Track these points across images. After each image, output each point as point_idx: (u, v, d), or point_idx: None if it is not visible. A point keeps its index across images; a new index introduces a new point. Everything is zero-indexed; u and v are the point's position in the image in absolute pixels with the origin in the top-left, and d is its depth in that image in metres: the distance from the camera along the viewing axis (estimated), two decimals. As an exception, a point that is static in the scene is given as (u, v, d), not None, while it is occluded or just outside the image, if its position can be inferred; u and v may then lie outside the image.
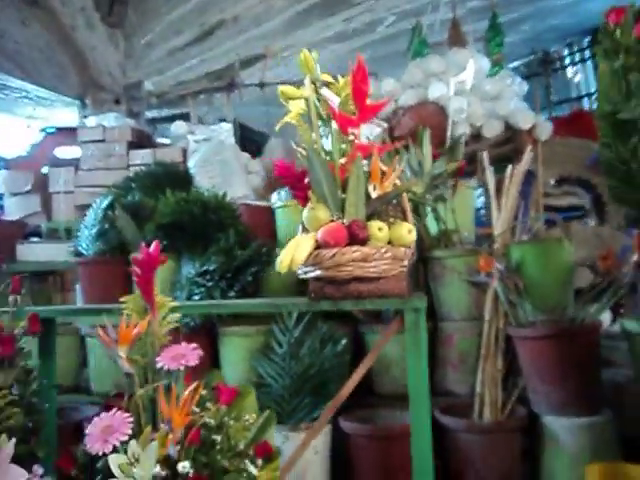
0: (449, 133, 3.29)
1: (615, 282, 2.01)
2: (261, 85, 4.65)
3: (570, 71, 6.30)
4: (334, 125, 1.21)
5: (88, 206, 3.02)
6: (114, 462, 1.02)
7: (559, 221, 2.68)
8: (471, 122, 3.40)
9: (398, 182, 1.24)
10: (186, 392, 1.04)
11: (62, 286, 3.50)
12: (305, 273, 1.22)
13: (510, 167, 2.24)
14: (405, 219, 1.27)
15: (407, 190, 1.26)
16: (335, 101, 1.19)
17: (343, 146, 1.22)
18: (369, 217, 1.22)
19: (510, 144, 3.46)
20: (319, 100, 1.26)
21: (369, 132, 3.16)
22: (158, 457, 1.02)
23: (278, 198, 3.02)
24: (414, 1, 4.84)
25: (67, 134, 4.17)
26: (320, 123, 1.27)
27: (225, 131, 3.98)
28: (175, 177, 3.41)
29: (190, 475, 1.01)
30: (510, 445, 1.80)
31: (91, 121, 4.13)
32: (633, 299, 2.04)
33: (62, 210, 3.80)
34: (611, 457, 1.72)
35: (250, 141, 4.68)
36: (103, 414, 1.07)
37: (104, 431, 1.04)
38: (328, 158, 1.25)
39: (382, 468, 1.76)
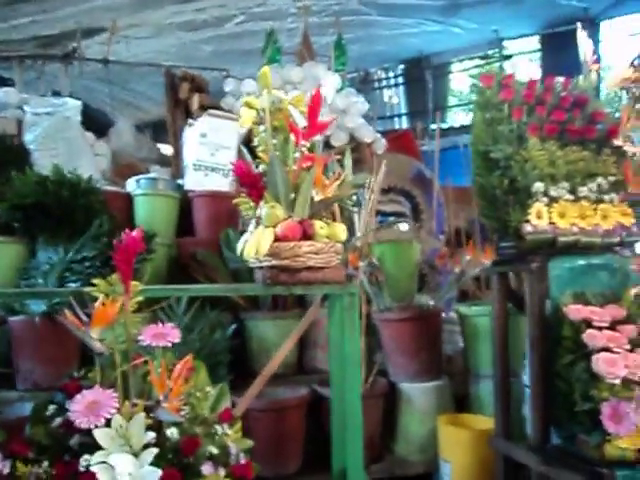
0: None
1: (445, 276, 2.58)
2: (105, 62, 4.40)
3: (386, 92, 7.23)
4: (291, 137, 1.41)
5: None
6: (102, 435, 1.08)
7: (410, 224, 3.21)
8: (322, 131, 3.77)
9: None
10: (179, 366, 1.15)
11: None
12: (260, 262, 1.39)
13: (370, 178, 2.65)
14: (334, 219, 1.53)
15: (344, 197, 1.52)
16: (300, 119, 1.39)
17: (296, 155, 1.42)
18: (310, 217, 1.45)
19: (352, 154, 3.93)
20: (272, 112, 1.44)
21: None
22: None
23: (138, 186, 3.00)
24: (264, 5, 5.08)
25: None
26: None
27: (72, 107, 3.71)
28: (9, 152, 3.12)
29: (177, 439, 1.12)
30: (376, 408, 2.18)
31: None
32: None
33: None
34: (449, 410, 2.23)
35: (90, 120, 4.40)
36: (85, 391, 1.12)
37: (90, 407, 1.09)
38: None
39: (275, 437, 1.99)
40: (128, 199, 2.94)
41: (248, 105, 1.42)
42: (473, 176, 1.71)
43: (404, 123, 7.04)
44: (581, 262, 1.55)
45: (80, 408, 1.09)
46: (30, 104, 3.61)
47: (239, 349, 2.38)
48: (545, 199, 1.55)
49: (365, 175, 1.57)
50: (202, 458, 1.16)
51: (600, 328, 1.42)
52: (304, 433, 2.10)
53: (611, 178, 1.60)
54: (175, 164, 3.68)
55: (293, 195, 1.41)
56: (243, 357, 2.41)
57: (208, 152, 3.18)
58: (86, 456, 1.06)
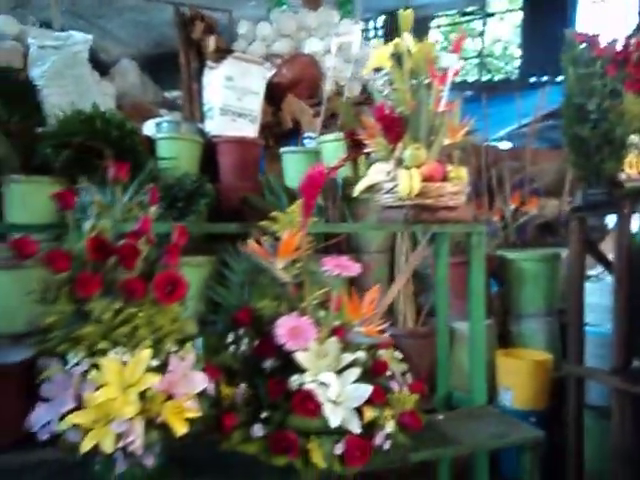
0: (327, 87, 3.63)
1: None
2: (99, -6, 4.11)
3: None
4: (430, 80, 1.47)
5: None
6: (304, 358, 1.15)
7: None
8: (337, 81, 3.79)
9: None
10: (370, 293, 1.23)
11: None
12: (402, 200, 1.47)
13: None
14: (451, 162, 1.62)
15: (467, 143, 1.61)
16: (454, 62, 1.44)
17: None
18: (438, 159, 1.53)
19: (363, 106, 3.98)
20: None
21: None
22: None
23: (159, 129, 2.92)
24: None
25: None
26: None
27: (79, 41, 3.49)
28: (15, 87, 2.96)
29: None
30: (431, 346, 2.34)
31: None
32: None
33: None
34: (495, 346, 2.44)
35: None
36: (284, 318, 1.17)
37: (292, 331, 1.15)
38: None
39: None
40: (149, 142, 2.87)
41: (396, 47, 1.46)
42: (565, 127, 1.84)
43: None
44: (660, 208, 1.74)
45: (285, 332, 1.15)
46: (34, 36, 3.36)
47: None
48: (636, 151, 1.71)
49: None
50: (384, 379, 1.26)
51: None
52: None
53: (686, 134, 1.78)
54: (188, 108, 3.57)
55: (432, 138, 1.49)
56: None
57: (235, 97, 3.12)
58: (295, 376, 1.13)
